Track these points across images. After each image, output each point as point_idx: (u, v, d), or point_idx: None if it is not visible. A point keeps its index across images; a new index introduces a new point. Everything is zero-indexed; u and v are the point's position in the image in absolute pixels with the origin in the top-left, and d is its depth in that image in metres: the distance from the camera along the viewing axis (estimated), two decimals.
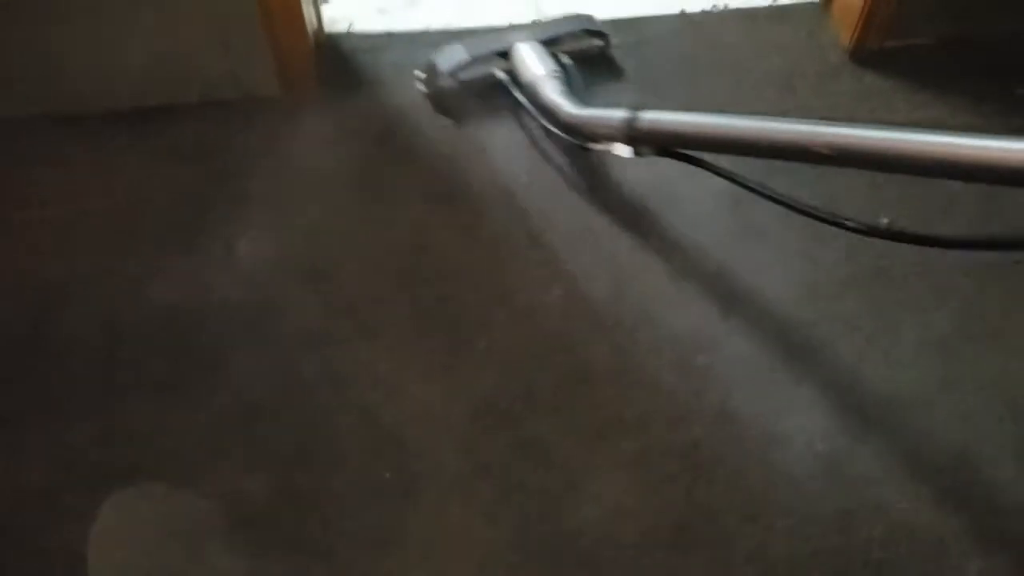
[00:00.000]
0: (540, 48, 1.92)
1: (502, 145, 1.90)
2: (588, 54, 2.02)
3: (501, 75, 1.93)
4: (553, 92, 1.81)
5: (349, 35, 2.07)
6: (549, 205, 1.81)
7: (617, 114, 1.61)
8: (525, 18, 2.11)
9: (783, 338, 1.66)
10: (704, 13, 2.14)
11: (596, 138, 1.72)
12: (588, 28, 2.03)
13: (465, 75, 1.93)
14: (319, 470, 1.50)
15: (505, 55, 1.94)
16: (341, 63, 2.02)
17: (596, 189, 1.83)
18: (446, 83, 1.92)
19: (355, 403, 1.56)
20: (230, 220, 1.77)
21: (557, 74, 1.86)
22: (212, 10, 1.78)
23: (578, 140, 1.77)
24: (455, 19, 2.11)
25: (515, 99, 1.89)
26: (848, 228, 1.39)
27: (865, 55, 2.05)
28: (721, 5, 2.15)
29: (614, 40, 2.05)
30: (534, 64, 1.88)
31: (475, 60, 1.93)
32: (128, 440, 1.52)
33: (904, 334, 1.67)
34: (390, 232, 1.76)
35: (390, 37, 2.08)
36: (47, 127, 1.86)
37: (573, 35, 2.01)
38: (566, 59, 1.94)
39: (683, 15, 2.13)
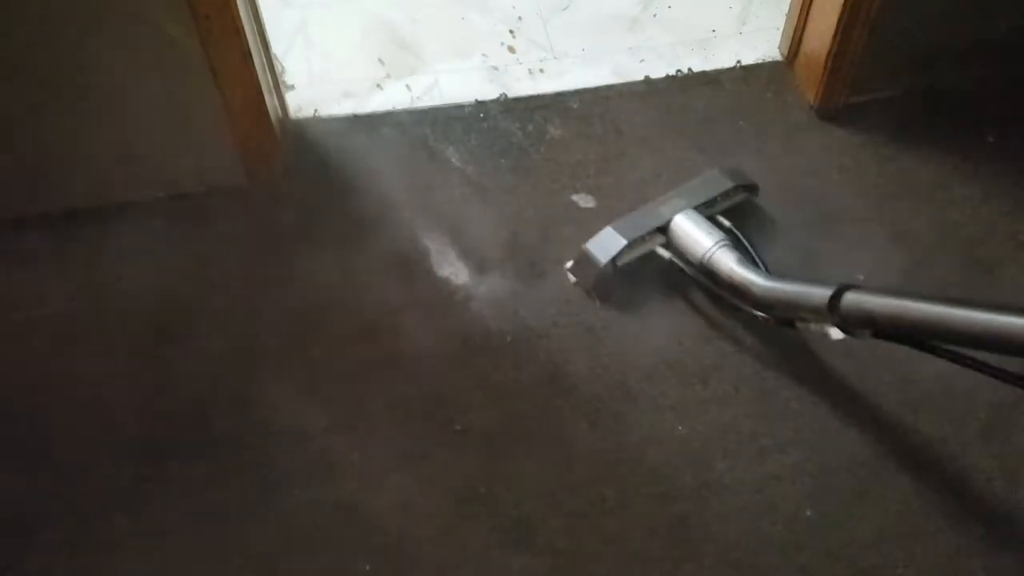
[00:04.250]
0: (698, 216, 1.75)
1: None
2: (740, 208, 1.85)
3: (665, 254, 1.77)
4: (733, 264, 1.64)
5: (315, 120, 2.07)
6: None
7: (818, 292, 1.40)
8: (491, 96, 2.11)
9: (764, 403, 1.64)
10: (668, 78, 2.14)
11: (799, 317, 1.57)
12: (740, 183, 1.85)
13: (623, 260, 1.75)
14: (297, 565, 1.47)
15: (663, 230, 1.77)
16: (308, 149, 2.01)
17: None
18: (605, 273, 1.75)
19: (331, 495, 1.53)
20: (199, 314, 1.75)
21: (726, 242, 1.69)
22: (174, 106, 1.77)
23: (779, 318, 1.62)
24: (421, 100, 2.12)
25: (686, 277, 1.75)
26: None
27: (832, 111, 2.05)
28: (685, 69, 2.16)
29: (762, 190, 1.89)
30: (700, 236, 1.71)
31: (632, 243, 1.75)
32: (95, 548, 1.48)
33: (887, 395, 1.64)
34: (362, 318, 1.74)
35: (356, 120, 2.08)
36: (7, 227, 1.86)
37: (726, 194, 1.82)
38: (726, 222, 1.76)
39: (647, 81, 2.13)
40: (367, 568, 1.47)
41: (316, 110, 2.09)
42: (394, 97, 2.13)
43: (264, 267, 1.82)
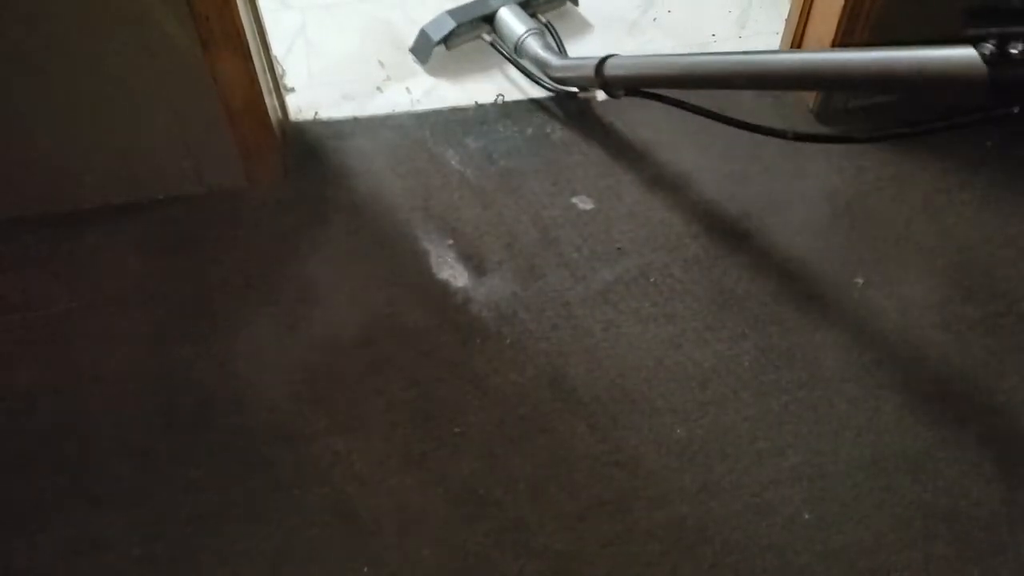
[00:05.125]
0: (520, 10, 2.15)
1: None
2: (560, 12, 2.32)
3: (487, 38, 2.17)
4: (538, 47, 2.05)
5: (315, 122, 2.08)
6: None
7: (589, 61, 1.79)
8: (491, 98, 2.12)
9: (763, 405, 1.64)
10: None
11: (577, 86, 2.01)
12: None
13: (453, 42, 2.16)
14: (296, 567, 1.46)
15: (489, 19, 2.17)
16: (308, 151, 2.02)
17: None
18: (436, 49, 2.16)
19: (330, 497, 1.53)
20: (200, 316, 1.75)
21: (538, 31, 2.10)
22: (174, 107, 1.78)
23: (567, 91, 2.06)
24: (421, 102, 2.12)
25: (504, 58, 2.15)
26: (767, 133, 1.59)
27: (831, 115, 2.06)
28: None
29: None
30: (517, 24, 2.12)
31: (461, 26, 2.14)
32: (94, 550, 1.48)
33: (888, 399, 1.64)
34: (361, 320, 1.74)
35: (356, 122, 2.08)
36: (9, 229, 1.86)
37: None
38: (543, 18, 2.21)
39: None
40: (365, 571, 1.46)
41: (316, 112, 2.09)
42: (394, 99, 2.13)
43: (263, 269, 1.82)
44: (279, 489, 1.54)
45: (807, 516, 1.52)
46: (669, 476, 1.56)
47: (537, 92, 2.13)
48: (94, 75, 1.70)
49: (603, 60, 1.75)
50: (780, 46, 2.17)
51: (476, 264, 1.82)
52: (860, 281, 1.78)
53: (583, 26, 2.33)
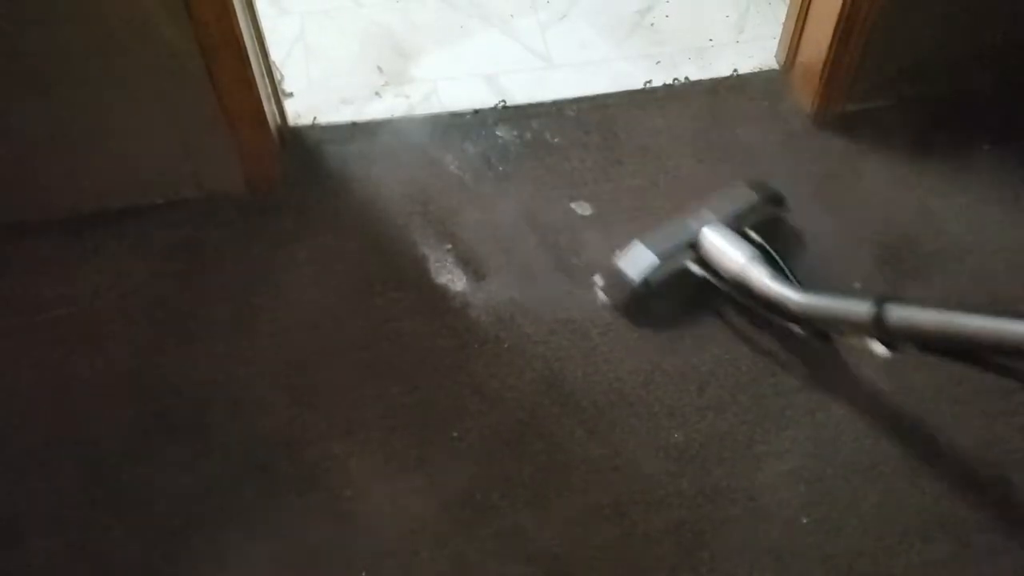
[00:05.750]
0: (727, 230, 1.70)
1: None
2: (769, 223, 1.79)
3: (698, 270, 1.70)
4: (767, 279, 1.59)
5: (314, 127, 2.08)
6: None
7: (859, 307, 1.36)
8: (489, 103, 2.12)
9: (761, 409, 1.64)
10: (666, 87, 2.15)
11: (839, 330, 1.54)
12: (767, 195, 1.81)
13: (655, 277, 1.69)
14: (295, 572, 1.47)
15: (693, 245, 1.72)
16: (307, 156, 2.02)
17: None
18: (639, 292, 1.69)
19: (328, 502, 1.53)
20: (199, 320, 1.75)
21: (758, 257, 1.64)
22: (173, 112, 1.78)
23: (815, 331, 1.59)
24: (419, 107, 2.12)
25: (721, 295, 1.69)
26: None
27: (828, 119, 2.06)
28: (682, 78, 2.17)
29: (790, 204, 1.84)
30: (732, 252, 1.66)
31: (664, 259, 1.70)
32: (91, 556, 1.48)
33: (883, 403, 1.65)
34: (359, 324, 1.75)
35: (355, 127, 2.08)
36: (8, 233, 1.86)
37: (753, 207, 1.78)
38: (756, 236, 1.70)
39: (644, 89, 2.14)
40: None
41: (315, 117, 2.09)
42: (392, 105, 2.14)
43: (262, 273, 1.82)
44: (277, 494, 1.54)
45: (805, 520, 1.52)
46: (667, 480, 1.56)
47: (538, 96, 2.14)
48: (94, 80, 1.70)
49: (881, 303, 1.32)
50: (776, 51, 2.18)
51: (474, 269, 1.82)
52: (857, 285, 1.79)
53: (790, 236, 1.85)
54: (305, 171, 1.99)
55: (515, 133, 2.06)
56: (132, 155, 1.84)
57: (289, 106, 2.08)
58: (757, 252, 1.65)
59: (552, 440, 1.60)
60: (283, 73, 2.14)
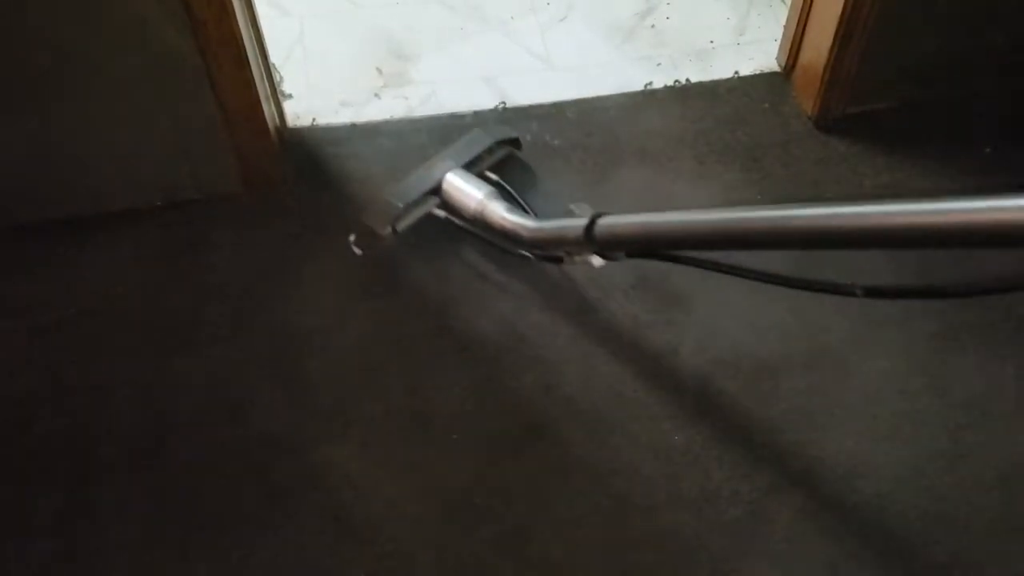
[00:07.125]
0: (466, 173, 1.84)
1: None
2: (506, 163, 1.96)
3: (440, 213, 1.84)
4: (504, 212, 1.73)
5: (312, 129, 2.08)
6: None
7: (575, 224, 1.47)
8: (489, 105, 2.11)
9: (761, 411, 1.63)
10: (666, 89, 2.15)
11: (564, 251, 1.60)
12: (500, 139, 1.95)
13: (402, 225, 1.80)
14: (294, 573, 1.46)
15: (436, 191, 1.83)
16: (305, 158, 2.02)
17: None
18: (385, 240, 1.80)
19: (326, 504, 1.53)
20: (197, 322, 1.75)
21: (494, 194, 1.78)
22: (172, 113, 1.78)
23: (547, 255, 1.73)
24: (418, 109, 2.12)
25: (464, 232, 1.83)
26: (831, 291, 1.25)
27: (829, 122, 2.06)
28: (683, 80, 2.16)
29: (527, 138, 2.01)
30: (471, 191, 1.79)
31: (408, 207, 1.81)
32: (90, 558, 1.48)
33: (884, 405, 1.64)
34: (359, 325, 1.74)
35: (354, 129, 2.08)
36: (8, 235, 1.86)
37: (489, 149, 1.93)
38: (493, 176, 1.88)
39: (645, 91, 2.14)
40: None
41: (314, 119, 2.09)
42: (392, 106, 2.13)
43: (261, 276, 1.81)
44: (276, 496, 1.54)
45: (804, 523, 1.51)
46: (666, 483, 1.55)
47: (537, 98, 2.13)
48: (92, 82, 1.70)
49: (592, 221, 1.43)
50: (777, 53, 2.18)
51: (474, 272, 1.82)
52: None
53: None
54: (304, 173, 1.98)
55: (515, 134, 2.05)
56: (131, 156, 1.84)
57: (288, 107, 2.08)
58: (494, 190, 1.79)
59: (551, 443, 1.60)
60: (282, 74, 2.14)
